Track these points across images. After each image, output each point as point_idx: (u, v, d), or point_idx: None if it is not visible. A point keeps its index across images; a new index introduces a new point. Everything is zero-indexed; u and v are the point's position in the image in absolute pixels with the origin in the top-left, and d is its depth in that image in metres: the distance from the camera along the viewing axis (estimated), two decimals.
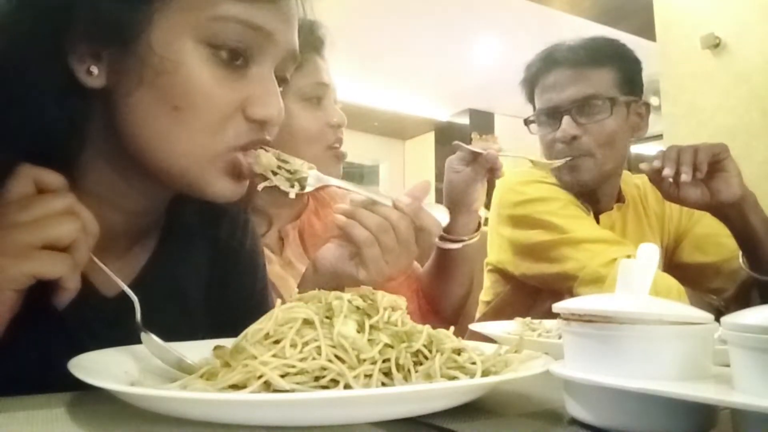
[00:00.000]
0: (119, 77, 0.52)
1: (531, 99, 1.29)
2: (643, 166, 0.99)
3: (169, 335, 0.55)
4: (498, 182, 1.29)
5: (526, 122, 1.27)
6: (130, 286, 0.56)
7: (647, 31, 3.67)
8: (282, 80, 0.61)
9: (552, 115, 1.20)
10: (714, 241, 1.20)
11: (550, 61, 1.21)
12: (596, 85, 1.16)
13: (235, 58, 0.54)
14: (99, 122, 0.55)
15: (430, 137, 7.85)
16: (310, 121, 1.02)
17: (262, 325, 0.45)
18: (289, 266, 1.05)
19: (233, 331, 0.50)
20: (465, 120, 7.45)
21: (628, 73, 1.20)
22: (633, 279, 0.44)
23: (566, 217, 1.13)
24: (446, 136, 7.83)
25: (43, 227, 0.47)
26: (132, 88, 0.52)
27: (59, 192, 0.50)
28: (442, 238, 1.04)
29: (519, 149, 1.27)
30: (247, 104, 0.55)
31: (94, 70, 0.52)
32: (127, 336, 0.53)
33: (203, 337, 0.59)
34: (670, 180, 0.96)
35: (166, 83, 0.51)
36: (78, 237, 0.49)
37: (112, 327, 0.55)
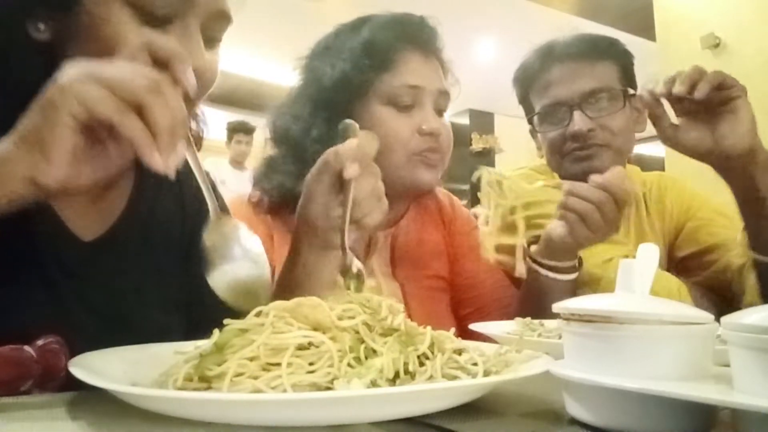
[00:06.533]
0: (61, 36, 0.60)
1: (524, 99, 1.27)
2: (642, 92, 0.90)
3: (139, 288, 0.67)
4: None
5: (530, 120, 1.24)
6: (109, 232, 0.65)
7: (647, 31, 3.68)
8: (212, 40, 0.65)
9: (557, 111, 1.17)
10: (706, 231, 1.18)
11: (549, 58, 1.19)
12: (602, 78, 1.15)
13: (155, 18, 0.59)
14: None
15: None
16: (392, 126, 0.95)
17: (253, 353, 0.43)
18: (371, 276, 0.96)
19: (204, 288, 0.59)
20: (465, 120, 7.41)
21: (625, 66, 1.19)
22: (633, 279, 0.44)
23: None
24: None
25: (114, 73, 0.47)
26: (70, 45, 0.59)
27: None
28: (551, 268, 0.95)
29: (517, 149, 1.26)
30: (170, 60, 0.60)
31: (41, 26, 0.61)
32: (101, 274, 0.65)
33: (174, 295, 0.72)
34: (669, 120, 0.87)
35: (93, 36, 0.58)
36: (148, 101, 0.47)
37: (88, 267, 0.65)
